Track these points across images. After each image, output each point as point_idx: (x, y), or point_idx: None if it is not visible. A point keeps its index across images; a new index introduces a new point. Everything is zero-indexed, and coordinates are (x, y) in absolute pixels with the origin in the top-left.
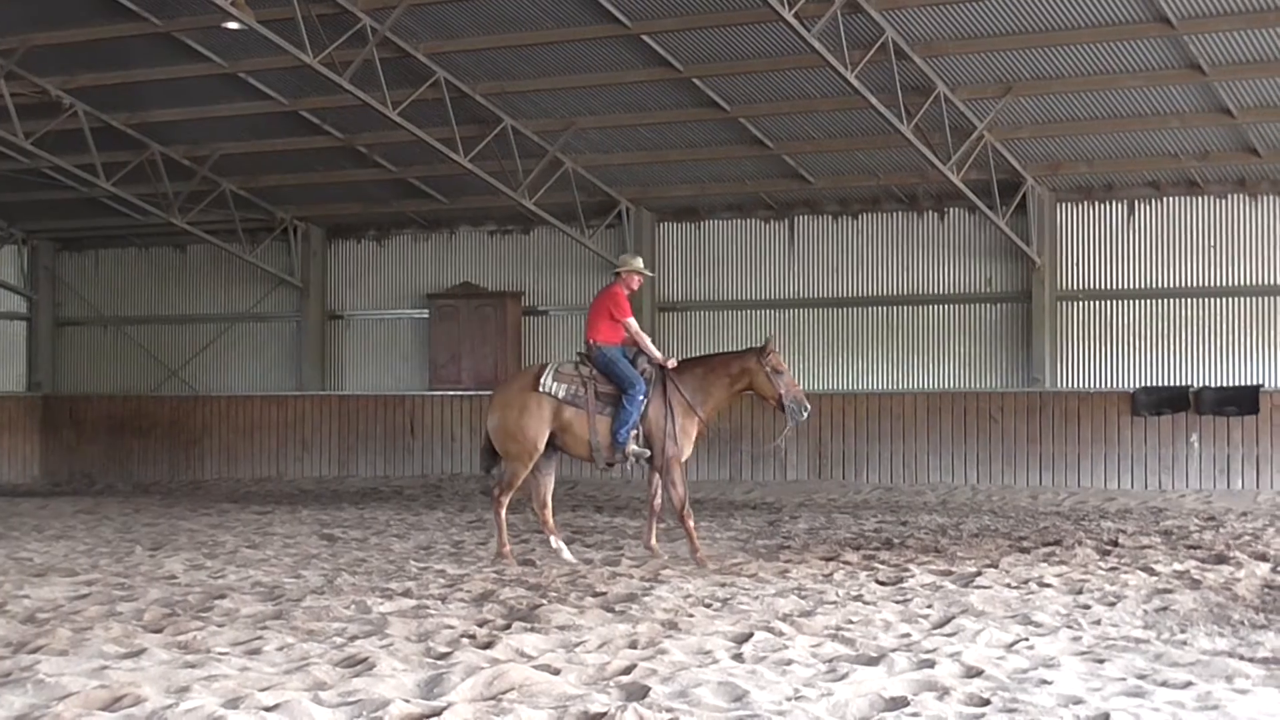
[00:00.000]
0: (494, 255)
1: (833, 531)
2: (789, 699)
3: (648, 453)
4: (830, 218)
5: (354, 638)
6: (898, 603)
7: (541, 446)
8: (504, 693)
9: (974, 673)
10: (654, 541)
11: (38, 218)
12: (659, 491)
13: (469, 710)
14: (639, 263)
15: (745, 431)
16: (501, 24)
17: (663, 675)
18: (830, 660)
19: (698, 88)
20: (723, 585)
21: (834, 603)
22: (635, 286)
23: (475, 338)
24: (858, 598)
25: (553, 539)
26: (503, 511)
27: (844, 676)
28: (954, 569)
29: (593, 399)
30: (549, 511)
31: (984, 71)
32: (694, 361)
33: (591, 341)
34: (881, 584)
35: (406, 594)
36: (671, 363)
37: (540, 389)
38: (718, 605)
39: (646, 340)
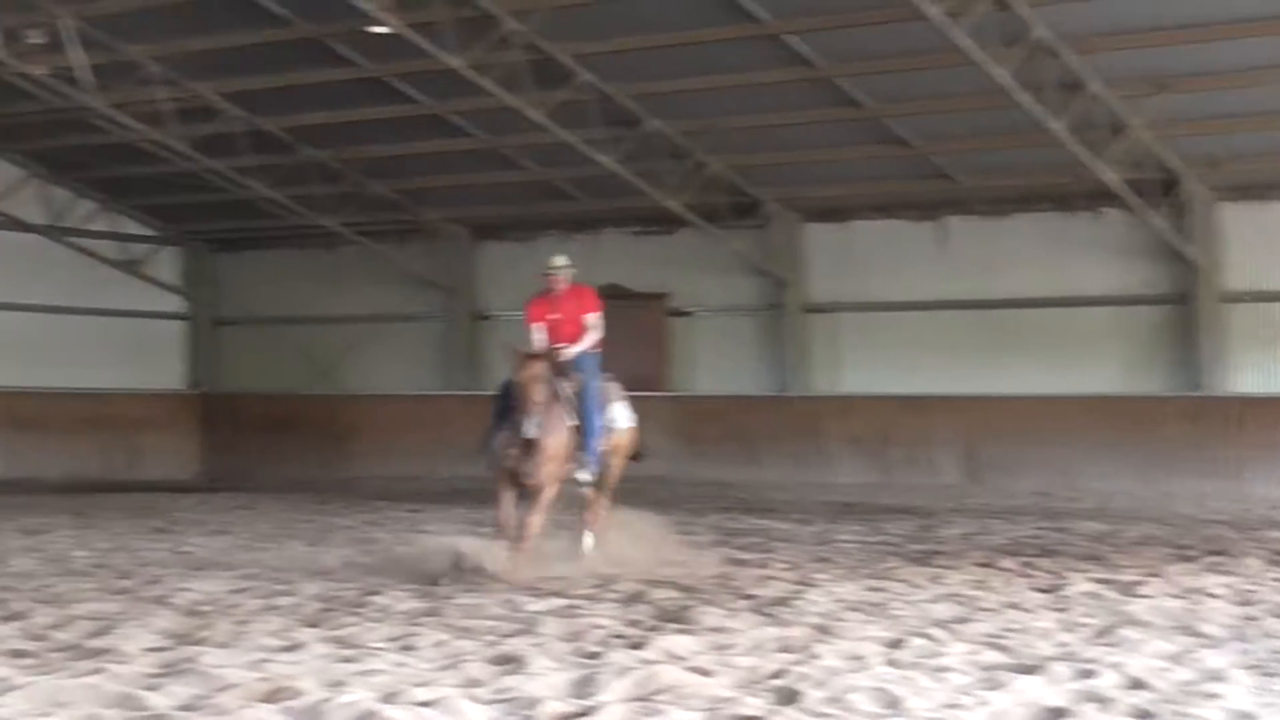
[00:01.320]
0: (639, 257)
1: (987, 537)
2: (945, 707)
3: None
4: (980, 218)
5: (506, 636)
6: (1056, 611)
7: None
8: (654, 693)
9: (1137, 684)
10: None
11: (195, 219)
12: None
13: (620, 710)
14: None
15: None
16: (644, 25)
17: (815, 680)
18: (987, 668)
19: (839, 87)
20: (875, 590)
21: (990, 610)
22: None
23: (621, 339)
24: (1015, 605)
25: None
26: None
27: (1001, 685)
28: (1115, 577)
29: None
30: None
31: (1138, 67)
32: None
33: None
34: (1039, 591)
35: (558, 593)
36: None
37: None
38: (871, 610)
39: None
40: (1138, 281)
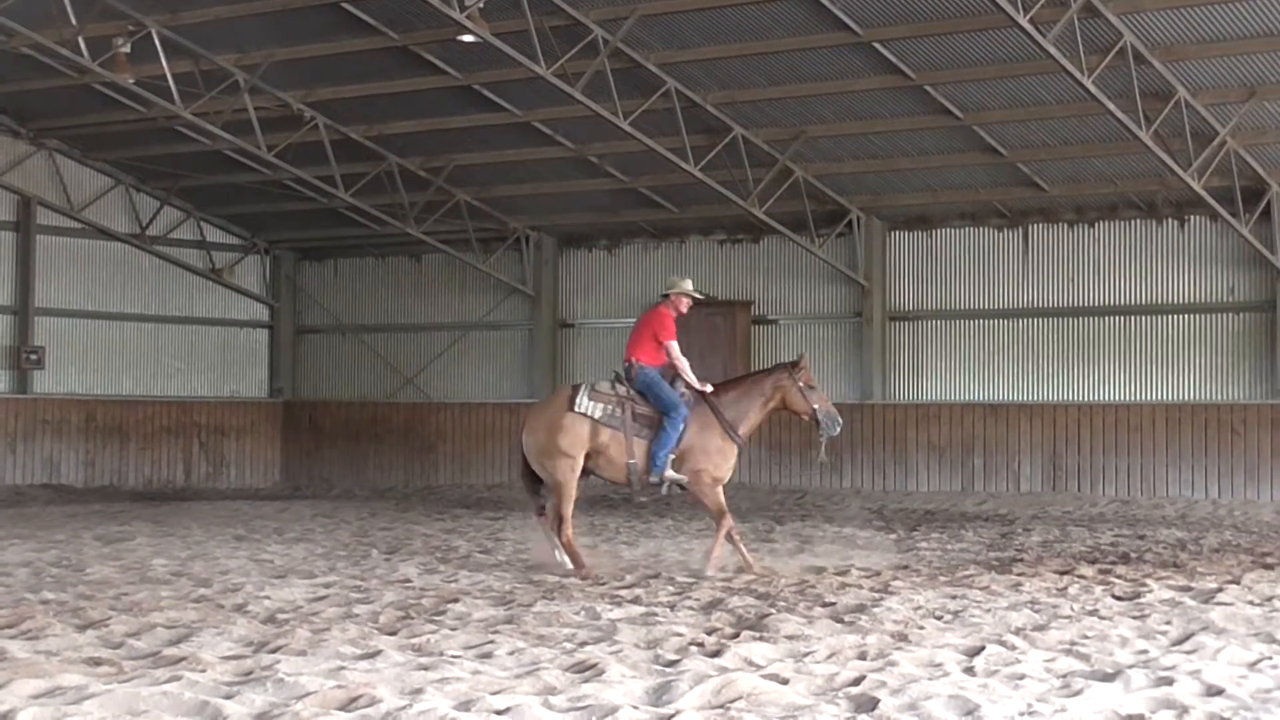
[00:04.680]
0: (724, 264)
1: (1067, 545)
2: (1022, 714)
3: (684, 479)
4: (1066, 226)
5: (583, 643)
6: (1135, 618)
7: (582, 460)
8: (732, 701)
9: (1215, 691)
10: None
11: (279, 228)
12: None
13: (698, 718)
14: (689, 285)
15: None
16: (732, 33)
17: (892, 687)
18: (1065, 675)
19: (929, 95)
20: (954, 598)
21: (1068, 617)
22: (684, 309)
23: (705, 347)
24: (1093, 612)
25: (557, 551)
26: (569, 532)
27: (1079, 692)
28: (1194, 585)
29: (630, 420)
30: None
31: (1227, 75)
32: (729, 384)
33: (632, 360)
34: (1118, 599)
35: (636, 601)
36: (708, 388)
37: (576, 409)
38: (949, 617)
39: (685, 365)
40: (1223, 289)
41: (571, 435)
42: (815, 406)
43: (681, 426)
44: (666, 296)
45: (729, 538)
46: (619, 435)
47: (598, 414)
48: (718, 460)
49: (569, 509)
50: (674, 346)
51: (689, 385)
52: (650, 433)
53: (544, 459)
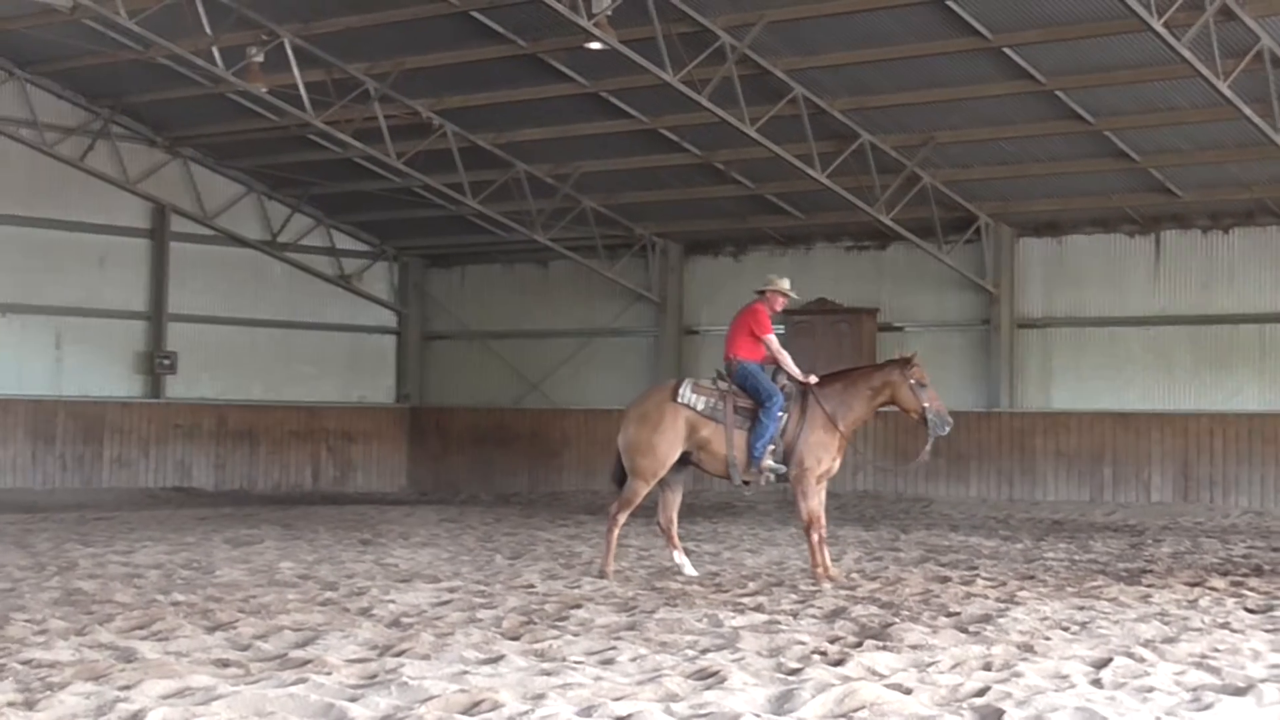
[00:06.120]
0: (850, 271)
1: (1198, 556)
2: None
3: (784, 469)
4: (1200, 232)
5: (705, 651)
6: (1268, 631)
7: (669, 466)
8: (855, 710)
9: None
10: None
11: (408, 235)
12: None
13: None
14: (786, 283)
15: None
16: (860, 39)
17: (1018, 699)
18: (1194, 689)
19: (1060, 100)
20: (1081, 609)
21: (1199, 630)
22: (779, 307)
23: (831, 354)
24: (1224, 625)
25: (675, 554)
26: (616, 530)
27: (1209, 706)
28: None
29: (731, 413)
30: (674, 527)
31: None
32: (835, 375)
33: (731, 357)
34: (1250, 612)
35: (758, 609)
36: (812, 379)
37: (679, 400)
38: (1076, 629)
39: (786, 357)
40: None
41: (670, 431)
42: (925, 405)
43: (780, 416)
44: (762, 293)
45: (808, 538)
46: (720, 428)
47: (700, 406)
48: (818, 452)
49: (636, 502)
50: (773, 339)
51: (791, 377)
52: (750, 424)
53: (635, 454)
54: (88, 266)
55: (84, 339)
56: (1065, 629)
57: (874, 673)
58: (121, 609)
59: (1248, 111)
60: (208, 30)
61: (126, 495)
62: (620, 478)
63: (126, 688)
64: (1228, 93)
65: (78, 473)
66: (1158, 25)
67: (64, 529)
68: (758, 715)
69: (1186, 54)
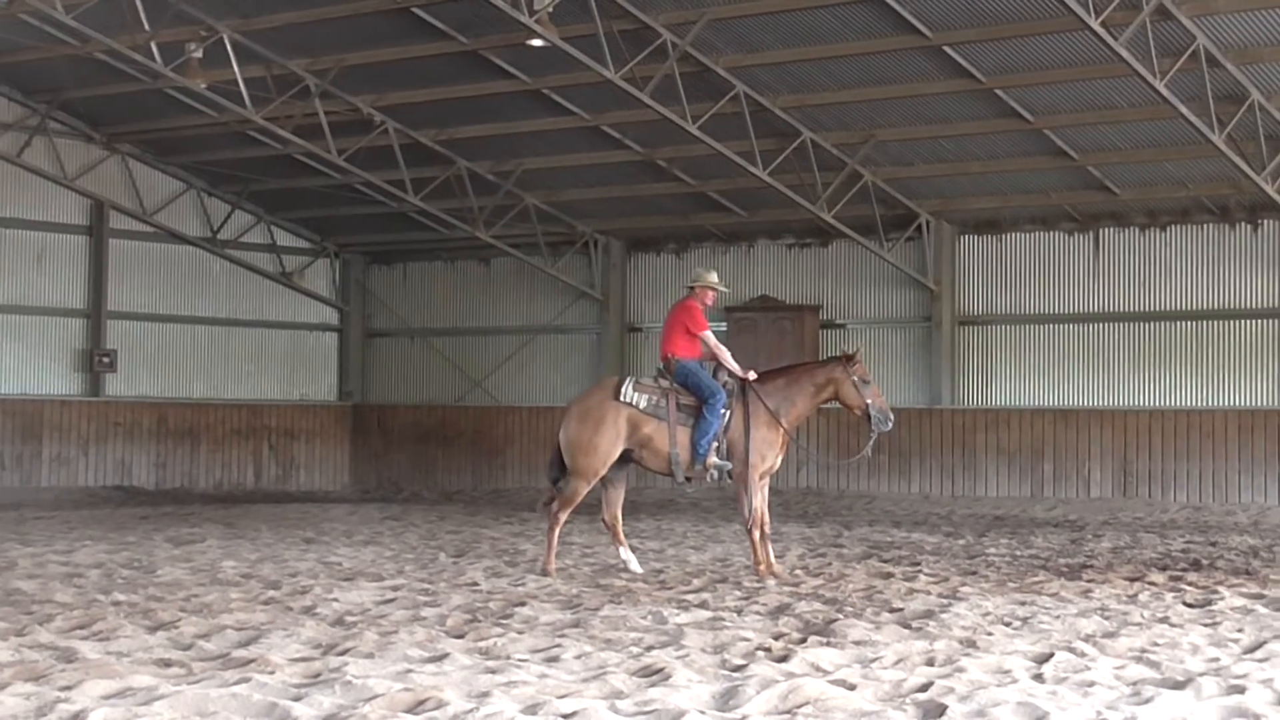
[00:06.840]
0: (792, 268)
1: (1138, 551)
2: None
3: (729, 465)
4: (1138, 230)
5: (650, 648)
6: (1206, 626)
7: (610, 465)
8: (799, 707)
9: None
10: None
11: (349, 232)
12: (764, 510)
13: None
14: (713, 277)
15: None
16: (802, 37)
17: (960, 694)
18: (1135, 683)
19: (1000, 98)
20: (1023, 604)
21: (1139, 624)
22: (710, 301)
23: (773, 351)
24: (1164, 620)
25: (622, 550)
26: (558, 529)
27: (1149, 700)
28: (1266, 592)
29: (674, 410)
30: (620, 524)
31: None
32: (776, 372)
33: (669, 355)
34: (1189, 606)
35: (703, 605)
36: (751, 375)
37: (621, 398)
38: (1017, 624)
39: (725, 353)
40: None
41: (611, 430)
42: (868, 401)
43: (723, 413)
44: (692, 289)
45: (749, 535)
46: (663, 426)
47: (642, 404)
48: (762, 449)
49: (577, 500)
50: (709, 335)
51: (732, 373)
52: (694, 421)
53: (577, 452)
54: (25, 263)
55: (22, 336)
56: (1007, 624)
57: (818, 669)
58: (62, 609)
59: (1184, 110)
60: (146, 26)
61: (66, 494)
62: (557, 473)
63: (67, 688)
64: (1165, 92)
65: (16, 471)
66: (1095, 24)
67: (3, 528)
68: (703, 712)
69: (1124, 53)
